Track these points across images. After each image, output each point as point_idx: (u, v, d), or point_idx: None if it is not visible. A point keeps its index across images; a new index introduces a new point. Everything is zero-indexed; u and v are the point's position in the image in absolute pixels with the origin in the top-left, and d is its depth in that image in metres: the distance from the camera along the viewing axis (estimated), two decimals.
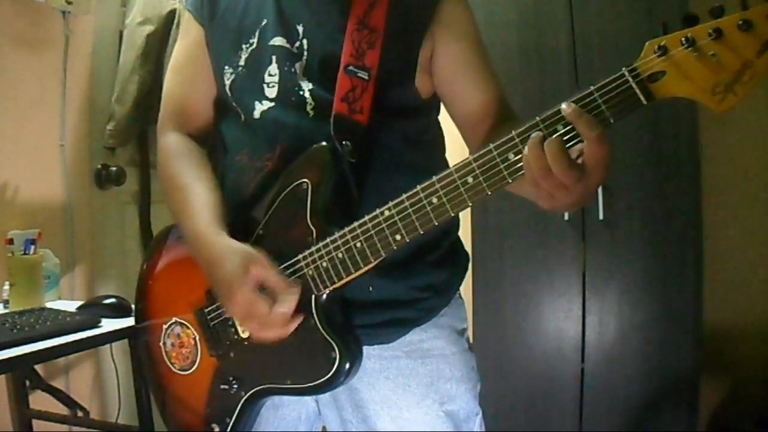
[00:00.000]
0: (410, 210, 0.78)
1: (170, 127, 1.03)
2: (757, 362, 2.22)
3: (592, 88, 0.68)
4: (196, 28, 1.01)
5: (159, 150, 1.03)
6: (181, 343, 0.96)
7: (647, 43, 0.67)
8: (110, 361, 2.06)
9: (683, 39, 0.64)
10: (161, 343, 0.98)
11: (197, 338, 0.95)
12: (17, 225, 1.77)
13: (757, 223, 2.26)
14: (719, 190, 2.21)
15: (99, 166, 2.17)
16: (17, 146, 1.89)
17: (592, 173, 0.68)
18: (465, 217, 2.20)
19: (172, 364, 0.98)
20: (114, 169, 2.17)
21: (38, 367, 1.84)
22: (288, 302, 0.81)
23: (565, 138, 0.68)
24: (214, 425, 0.92)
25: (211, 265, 0.87)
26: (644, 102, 0.67)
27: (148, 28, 2.10)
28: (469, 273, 2.21)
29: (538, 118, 0.70)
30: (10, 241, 1.66)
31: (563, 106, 0.68)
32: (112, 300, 1.59)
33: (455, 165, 0.76)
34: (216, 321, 0.92)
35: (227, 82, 0.96)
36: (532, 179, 0.70)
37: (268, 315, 0.81)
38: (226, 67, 0.97)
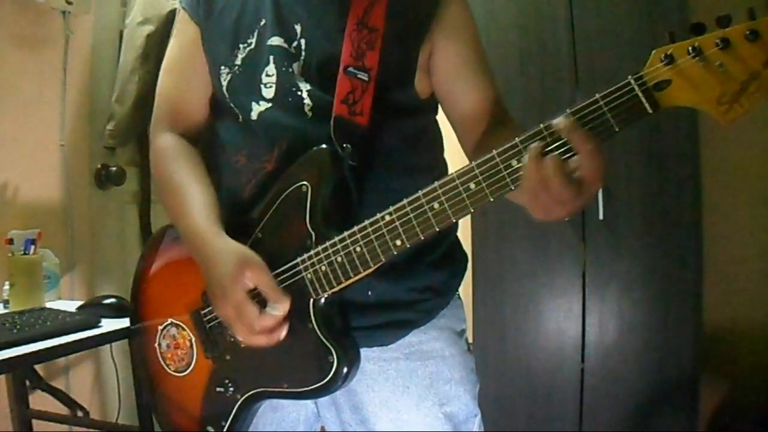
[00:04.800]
0: (411, 215, 0.77)
1: (164, 127, 1.02)
2: (757, 362, 2.21)
3: (597, 96, 0.68)
4: (192, 28, 1.00)
5: (153, 150, 1.02)
6: (176, 344, 0.96)
7: (653, 52, 0.66)
8: (110, 361, 2.07)
9: (690, 48, 0.64)
10: (156, 344, 0.98)
11: (193, 340, 0.94)
12: (17, 225, 1.77)
13: (757, 223, 2.25)
14: (719, 190, 2.20)
15: (99, 166, 2.17)
16: (17, 146, 1.89)
17: (589, 187, 0.69)
18: (465, 217, 2.19)
19: (167, 365, 0.97)
20: (114, 169, 2.17)
21: (38, 367, 1.84)
22: (277, 311, 0.81)
23: (564, 149, 0.69)
24: (209, 428, 0.92)
25: (207, 263, 0.87)
26: (650, 111, 0.67)
27: (148, 28, 2.10)
28: (469, 273, 2.21)
29: (542, 125, 0.70)
30: (10, 241, 1.66)
31: (557, 120, 0.69)
32: (112, 300, 1.59)
33: (457, 171, 0.75)
34: (212, 323, 0.92)
35: (224, 83, 0.96)
36: (531, 191, 0.70)
37: (255, 321, 0.81)
38: (223, 67, 0.96)
